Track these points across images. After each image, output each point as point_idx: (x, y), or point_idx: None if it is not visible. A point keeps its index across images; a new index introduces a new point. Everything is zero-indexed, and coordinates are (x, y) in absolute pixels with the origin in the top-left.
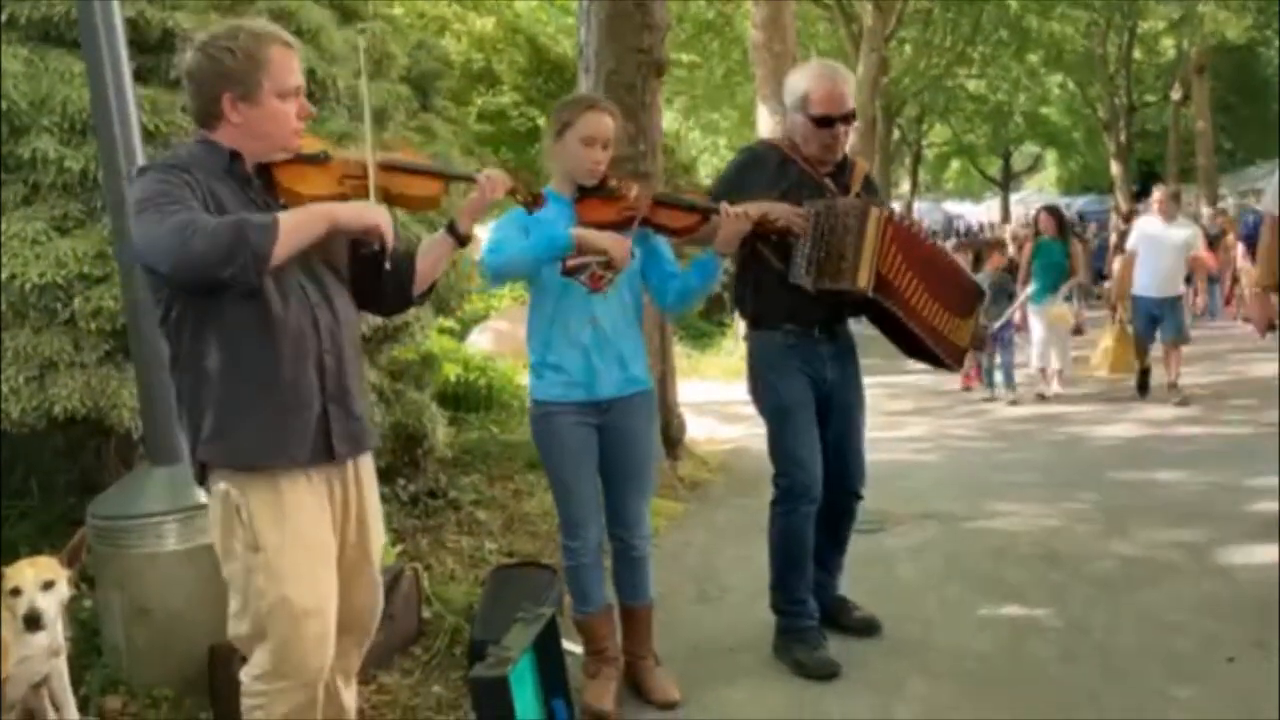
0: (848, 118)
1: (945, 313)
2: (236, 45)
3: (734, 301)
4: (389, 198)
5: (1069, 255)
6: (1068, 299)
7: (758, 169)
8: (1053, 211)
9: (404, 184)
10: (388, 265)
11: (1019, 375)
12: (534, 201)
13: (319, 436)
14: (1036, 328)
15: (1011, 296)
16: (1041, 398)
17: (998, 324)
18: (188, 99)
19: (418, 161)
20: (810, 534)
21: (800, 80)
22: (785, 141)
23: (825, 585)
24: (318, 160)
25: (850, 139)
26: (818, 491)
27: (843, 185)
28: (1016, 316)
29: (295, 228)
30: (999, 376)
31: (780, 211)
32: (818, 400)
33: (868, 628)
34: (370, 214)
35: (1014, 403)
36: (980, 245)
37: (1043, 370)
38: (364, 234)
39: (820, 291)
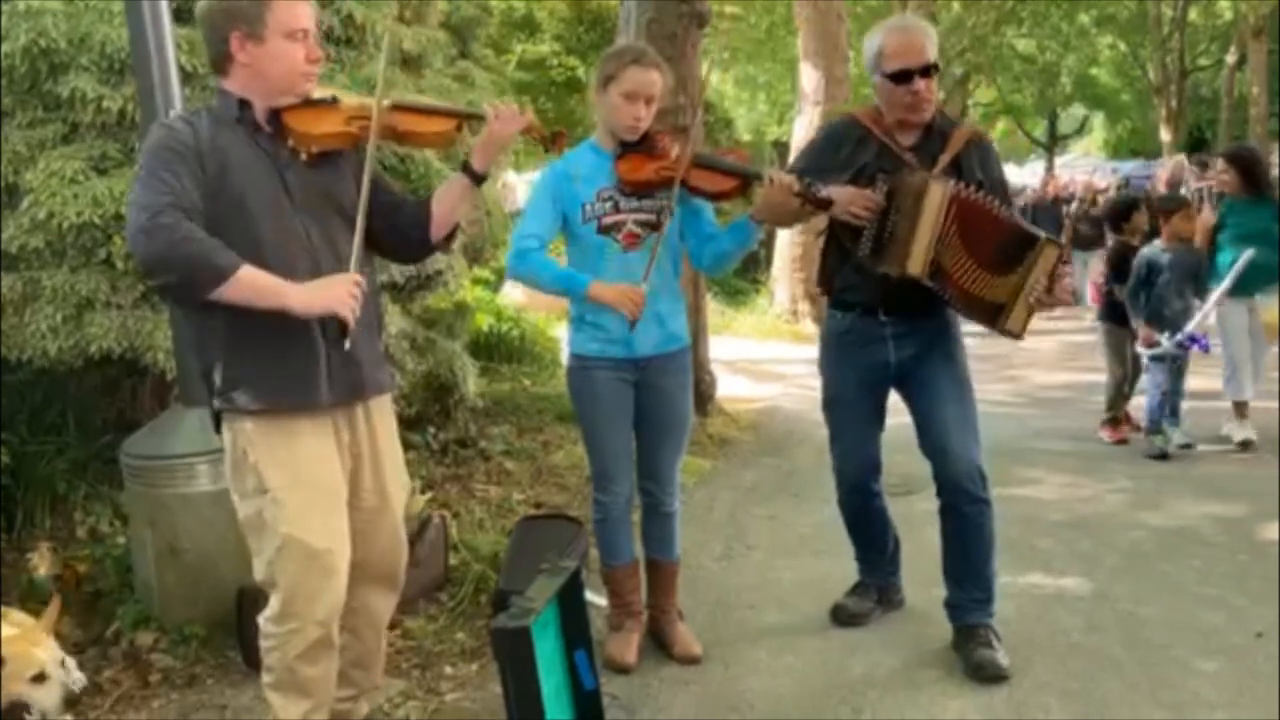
0: (927, 70)
1: (983, 273)
2: None
3: (817, 275)
4: (398, 136)
5: None
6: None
7: (833, 149)
8: (1246, 158)
9: (414, 122)
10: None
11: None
12: (552, 140)
13: (315, 380)
14: (1228, 333)
15: (1198, 287)
16: (1245, 445)
17: (1181, 335)
18: (204, 45)
19: (428, 101)
20: (865, 515)
21: (874, 38)
22: (869, 113)
23: (955, 605)
24: (325, 103)
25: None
26: (858, 479)
27: (929, 156)
28: (1210, 319)
29: (248, 288)
30: (1150, 417)
31: (844, 205)
32: (893, 383)
33: (979, 671)
34: (324, 301)
35: (1186, 446)
36: (1129, 203)
37: (1238, 405)
38: (320, 318)
39: (880, 272)
